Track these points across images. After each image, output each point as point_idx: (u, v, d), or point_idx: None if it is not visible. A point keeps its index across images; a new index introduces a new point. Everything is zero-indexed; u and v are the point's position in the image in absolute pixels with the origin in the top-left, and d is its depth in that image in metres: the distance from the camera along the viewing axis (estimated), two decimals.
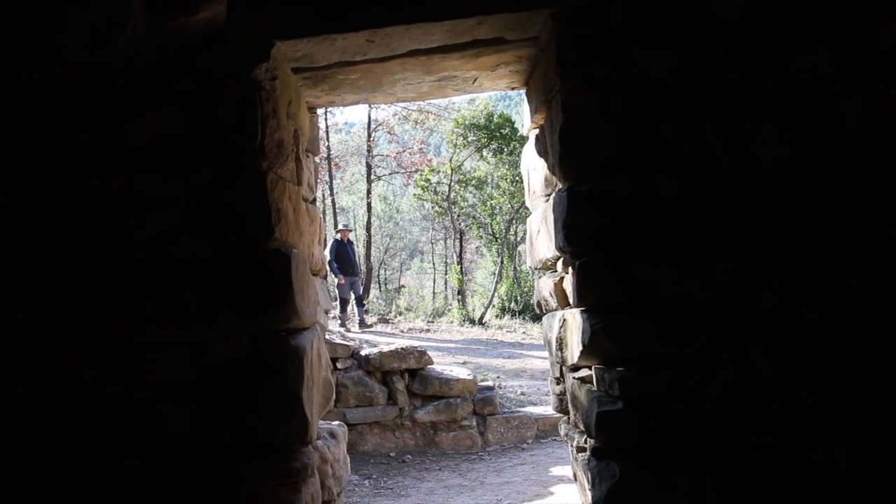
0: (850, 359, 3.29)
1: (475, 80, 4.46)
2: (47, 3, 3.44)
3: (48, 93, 3.54)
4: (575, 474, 4.61)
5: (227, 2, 3.50)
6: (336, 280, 15.40)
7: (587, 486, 3.78)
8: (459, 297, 24.95)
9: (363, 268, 23.11)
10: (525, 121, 4.67)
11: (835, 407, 3.30)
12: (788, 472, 3.30)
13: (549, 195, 4.20)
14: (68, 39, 3.47)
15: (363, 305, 16.71)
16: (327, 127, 26.34)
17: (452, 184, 24.38)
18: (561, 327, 4.17)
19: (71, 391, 3.49)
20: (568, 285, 3.96)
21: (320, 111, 5.52)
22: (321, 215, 5.22)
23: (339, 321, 15.08)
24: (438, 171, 25.10)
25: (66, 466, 3.49)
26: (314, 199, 4.74)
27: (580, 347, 3.59)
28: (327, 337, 7.55)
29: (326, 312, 4.82)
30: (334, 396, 4.52)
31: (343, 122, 32.57)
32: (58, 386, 3.49)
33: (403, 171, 28.90)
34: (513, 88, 4.70)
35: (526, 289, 22.73)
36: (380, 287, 32.11)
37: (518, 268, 24.28)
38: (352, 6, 3.55)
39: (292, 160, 3.94)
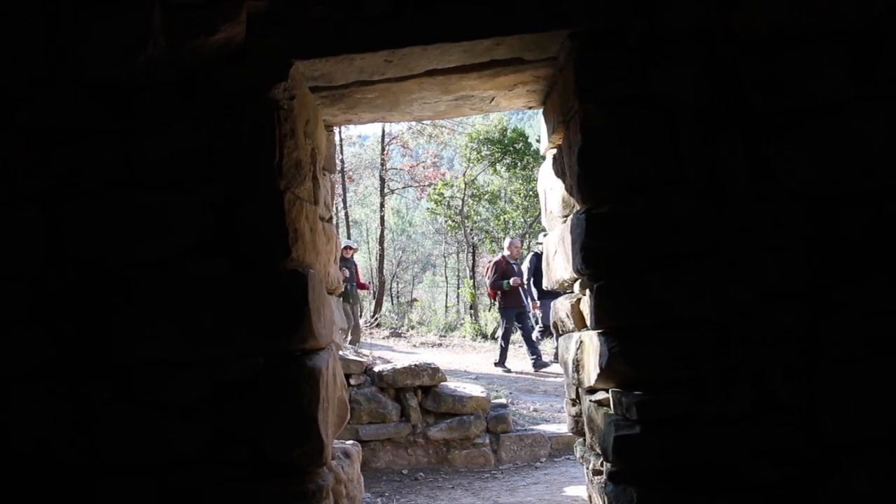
0: (870, 381, 3.26)
1: (492, 99, 4.45)
2: (69, 21, 3.47)
3: (68, 109, 3.56)
4: (590, 496, 4.58)
5: (246, 21, 3.51)
6: None
7: None
8: (472, 311, 24.93)
9: (375, 281, 22.95)
10: (542, 140, 4.66)
11: (855, 430, 3.26)
12: (808, 495, 3.26)
13: (566, 216, 4.18)
14: (89, 57, 3.50)
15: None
16: (341, 140, 26.46)
17: (466, 198, 24.43)
18: (578, 349, 4.15)
19: (86, 408, 3.48)
20: (585, 307, 3.94)
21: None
22: (335, 230, 5.21)
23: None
24: (452, 185, 25.17)
25: (79, 483, 3.48)
26: (330, 218, 4.74)
27: (597, 370, 3.57)
28: (340, 353, 7.55)
29: (342, 331, 4.81)
30: (349, 416, 4.51)
31: (357, 135, 32.70)
32: (73, 402, 3.48)
33: (417, 184, 29.01)
34: (530, 108, 4.69)
35: None
36: (392, 300, 32.11)
37: None
38: (370, 26, 3.55)
39: (309, 179, 3.94)
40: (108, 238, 3.53)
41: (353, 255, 15.37)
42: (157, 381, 3.49)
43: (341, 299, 13.99)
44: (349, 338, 14.27)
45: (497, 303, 14.13)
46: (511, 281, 13.15)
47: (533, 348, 13.48)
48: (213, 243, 3.53)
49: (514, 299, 13.26)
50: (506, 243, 14.08)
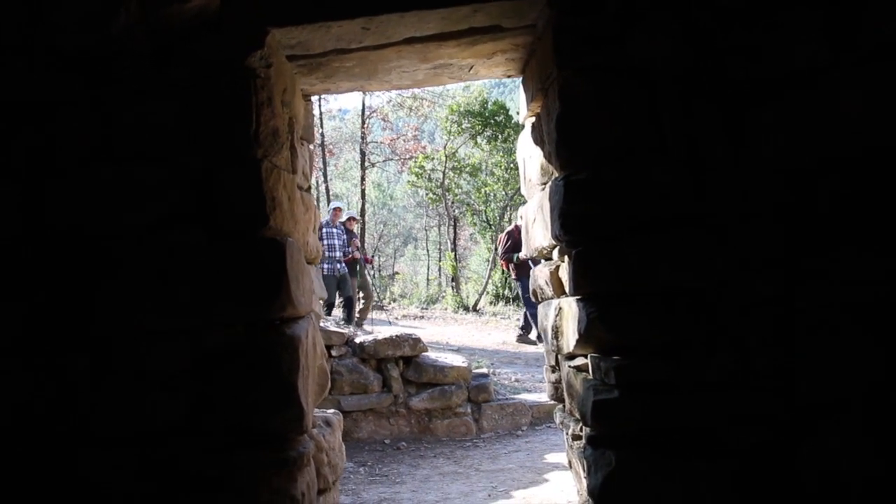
0: (845, 347, 3.28)
1: (471, 67, 4.43)
2: None
3: (42, 80, 3.52)
4: (570, 462, 4.62)
5: None
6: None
7: (582, 474, 3.78)
8: (453, 283, 25.02)
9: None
10: (521, 109, 4.65)
11: (830, 395, 3.29)
12: (784, 459, 3.30)
13: (545, 184, 4.19)
14: (61, 24, 3.46)
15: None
16: (321, 114, 26.32)
17: (447, 171, 24.40)
18: (557, 316, 4.17)
19: (65, 380, 3.47)
20: (564, 274, 3.96)
21: (314, 98, 5.49)
22: (315, 203, 5.19)
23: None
24: (433, 158, 25.13)
25: (60, 456, 3.47)
26: (309, 188, 4.72)
27: (576, 336, 3.59)
28: (322, 324, 7.55)
29: (321, 301, 4.81)
30: (329, 384, 4.52)
31: (337, 108, 32.65)
32: (51, 373, 3.47)
33: (397, 157, 28.93)
34: (509, 76, 4.68)
35: None
36: (374, 274, 32.11)
37: None
38: None
39: (287, 148, 3.92)
40: (86, 209, 3.50)
41: (356, 226, 14.80)
42: (136, 352, 3.48)
43: (348, 273, 13.41)
44: (357, 316, 13.79)
45: (511, 273, 14.05)
46: (522, 254, 13.13)
47: (527, 322, 13.50)
48: (191, 213, 3.51)
49: (525, 269, 13.25)
50: (520, 212, 13.96)
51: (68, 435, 3.47)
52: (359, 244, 14.91)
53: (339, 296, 13.68)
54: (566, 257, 3.75)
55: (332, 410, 5.06)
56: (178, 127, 3.50)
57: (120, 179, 3.50)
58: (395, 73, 4.44)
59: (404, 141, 28.59)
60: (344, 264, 13.46)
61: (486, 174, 24.96)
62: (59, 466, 3.47)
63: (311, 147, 5.02)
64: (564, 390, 4.31)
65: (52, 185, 3.51)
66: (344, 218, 14.19)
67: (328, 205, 27.07)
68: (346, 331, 8.65)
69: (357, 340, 8.32)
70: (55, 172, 3.52)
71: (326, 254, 12.85)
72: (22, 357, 3.49)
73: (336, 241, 13.20)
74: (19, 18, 3.46)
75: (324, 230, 13.00)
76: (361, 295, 13.97)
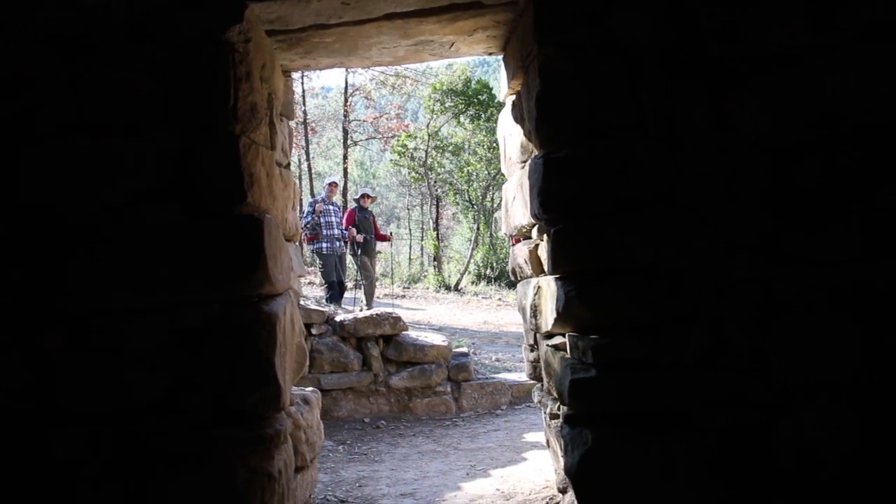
0: (821, 329, 3.30)
1: (452, 44, 4.40)
2: None
3: (16, 53, 3.46)
4: (548, 441, 4.64)
5: None
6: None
7: (560, 453, 3.80)
8: (435, 263, 25.03)
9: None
10: (502, 87, 4.64)
11: (806, 375, 3.31)
12: (760, 439, 3.33)
13: (525, 162, 4.18)
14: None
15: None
16: (304, 91, 26.18)
17: (429, 150, 24.37)
18: (535, 294, 4.17)
19: (38, 356, 3.44)
20: (543, 252, 3.95)
21: (296, 75, 5.44)
22: (297, 180, 5.15)
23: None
24: (415, 137, 25.08)
25: (30, 434, 3.44)
26: (288, 164, 4.68)
27: (554, 314, 3.59)
28: (302, 303, 7.53)
29: (300, 278, 4.78)
30: (308, 363, 4.51)
31: (320, 86, 32.46)
32: (23, 351, 3.44)
33: (380, 136, 28.86)
34: (490, 54, 4.65)
35: (502, 255, 22.84)
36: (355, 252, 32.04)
37: (494, 234, 24.38)
38: None
39: (266, 124, 3.89)
40: (61, 185, 3.45)
41: (370, 203, 14.22)
42: (113, 329, 3.45)
43: (360, 252, 13.20)
44: (363, 297, 13.53)
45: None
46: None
47: None
48: (168, 189, 3.47)
49: None
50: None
51: (41, 410, 3.44)
52: (377, 223, 14.47)
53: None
54: (545, 236, 3.74)
55: (310, 389, 5.05)
56: (155, 101, 3.45)
57: (96, 154, 3.45)
58: (376, 49, 4.40)
59: (387, 119, 28.53)
60: (342, 242, 13.12)
61: (469, 153, 24.94)
62: (29, 443, 3.44)
63: (292, 124, 4.98)
64: (543, 369, 4.32)
65: (26, 158, 3.46)
66: (358, 195, 13.79)
67: (311, 183, 27.08)
68: (326, 309, 8.63)
69: (337, 319, 8.30)
70: (30, 146, 3.46)
71: (324, 232, 12.63)
72: None
73: (333, 219, 12.85)
74: None
75: (320, 207, 12.77)
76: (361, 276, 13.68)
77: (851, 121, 3.31)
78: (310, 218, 12.61)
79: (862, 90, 3.29)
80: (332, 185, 13.65)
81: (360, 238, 13.29)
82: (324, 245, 12.61)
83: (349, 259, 14.14)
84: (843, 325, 3.30)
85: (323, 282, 13.70)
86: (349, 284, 13.55)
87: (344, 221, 13.29)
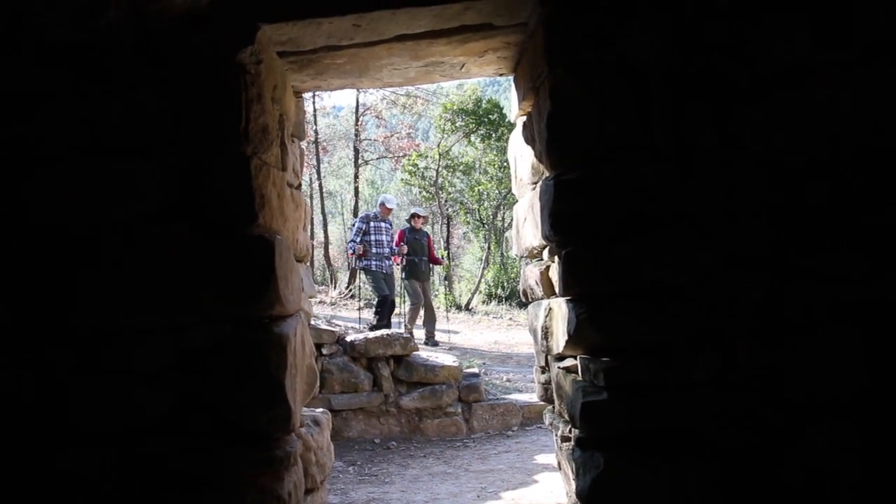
0: (832, 347, 3.27)
1: (462, 65, 4.41)
2: None
3: (29, 72, 3.48)
4: (559, 463, 4.61)
5: None
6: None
7: (571, 476, 3.77)
8: (446, 282, 24.95)
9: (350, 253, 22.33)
10: (513, 107, 4.64)
11: (817, 396, 3.28)
12: (771, 460, 3.30)
13: (535, 183, 4.17)
14: (51, 18, 3.42)
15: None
16: (315, 111, 26.28)
17: (440, 169, 24.37)
18: (546, 316, 4.15)
19: (47, 376, 3.43)
20: (554, 274, 3.94)
21: (307, 95, 5.47)
22: (308, 200, 5.17)
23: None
24: (426, 156, 25.10)
25: (38, 454, 3.44)
26: (299, 185, 4.70)
27: (565, 337, 3.57)
28: (312, 322, 7.52)
29: (311, 298, 4.78)
30: (318, 384, 4.50)
31: (331, 105, 32.55)
32: (33, 370, 3.43)
33: (391, 155, 28.92)
34: (501, 75, 4.66)
35: (513, 275, 22.77)
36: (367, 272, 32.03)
37: (505, 254, 24.35)
38: None
39: (277, 145, 3.90)
40: (72, 204, 3.47)
41: (423, 224, 13.88)
42: (122, 348, 3.45)
43: (406, 274, 13.06)
44: (419, 321, 13.24)
45: None
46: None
47: None
48: (178, 209, 3.48)
49: None
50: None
51: (52, 430, 3.44)
52: (433, 245, 14.19)
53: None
54: (556, 257, 3.73)
55: (320, 409, 5.03)
56: (166, 122, 3.47)
57: (107, 174, 3.47)
58: (387, 70, 4.42)
59: (398, 138, 28.58)
60: (391, 261, 12.90)
61: (480, 173, 24.93)
62: (42, 462, 3.43)
63: (304, 144, 4.99)
64: (554, 391, 4.30)
65: (37, 176, 3.48)
66: (408, 216, 13.44)
67: (322, 202, 27.13)
68: (336, 329, 8.63)
69: (348, 339, 8.30)
70: (41, 164, 3.48)
71: (374, 250, 12.48)
72: (8, 351, 3.45)
73: (384, 237, 12.71)
74: (5, 10, 3.42)
75: (371, 224, 12.64)
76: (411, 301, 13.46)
77: (862, 141, 3.30)
78: (358, 238, 12.50)
79: (873, 110, 3.28)
80: (415, 216, 13.52)
81: (396, 259, 13.09)
82: (372, 263, 12.45)
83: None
84: (854, 344, 3.27)
85: (369, 302, 13.38)
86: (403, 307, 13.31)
87: (395, 242, 13.10)
